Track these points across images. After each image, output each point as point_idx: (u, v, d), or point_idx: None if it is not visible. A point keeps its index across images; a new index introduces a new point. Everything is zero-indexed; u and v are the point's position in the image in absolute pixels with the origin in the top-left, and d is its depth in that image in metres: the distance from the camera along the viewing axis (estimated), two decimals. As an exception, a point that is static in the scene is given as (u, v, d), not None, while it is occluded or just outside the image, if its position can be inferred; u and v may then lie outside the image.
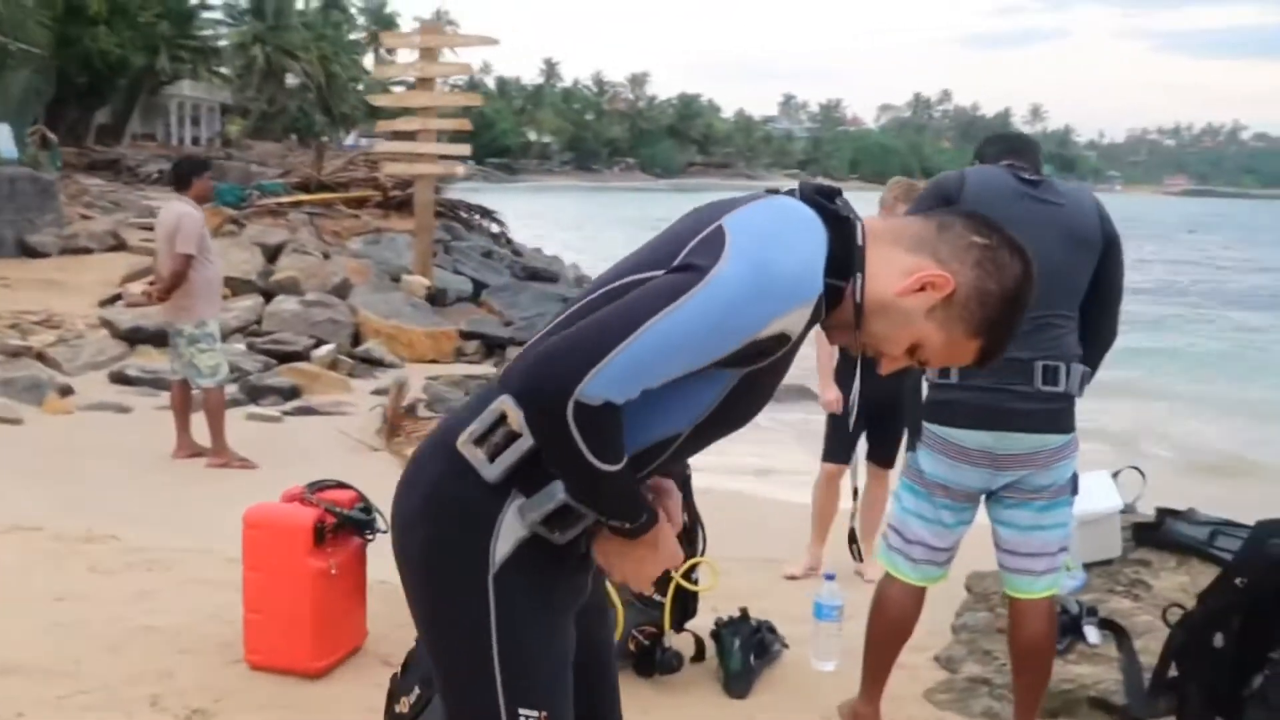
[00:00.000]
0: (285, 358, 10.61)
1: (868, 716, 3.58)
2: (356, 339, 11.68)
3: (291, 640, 3.63)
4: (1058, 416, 3.26)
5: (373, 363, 11.19)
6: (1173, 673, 3.57)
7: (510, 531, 1.72)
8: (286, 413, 9.18)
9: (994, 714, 3.80)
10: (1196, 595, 3.66)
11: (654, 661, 3.79)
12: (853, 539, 5.33)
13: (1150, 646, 4.01)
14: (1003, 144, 3.56)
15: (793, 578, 5.34)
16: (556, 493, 1.68)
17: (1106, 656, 3.97)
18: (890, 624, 3.50)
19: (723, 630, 3.93)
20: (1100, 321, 3.39)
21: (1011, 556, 3.35)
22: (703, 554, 3.93)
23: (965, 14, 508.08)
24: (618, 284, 1.71)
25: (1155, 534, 4.62)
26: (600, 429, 1.59)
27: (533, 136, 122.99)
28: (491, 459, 1.69)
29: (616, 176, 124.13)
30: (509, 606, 1.74)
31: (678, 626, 3.88)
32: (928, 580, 3.46)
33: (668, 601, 3.76)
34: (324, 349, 10.97)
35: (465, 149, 14.30)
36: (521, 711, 1.75)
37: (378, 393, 9.60)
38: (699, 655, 3.99)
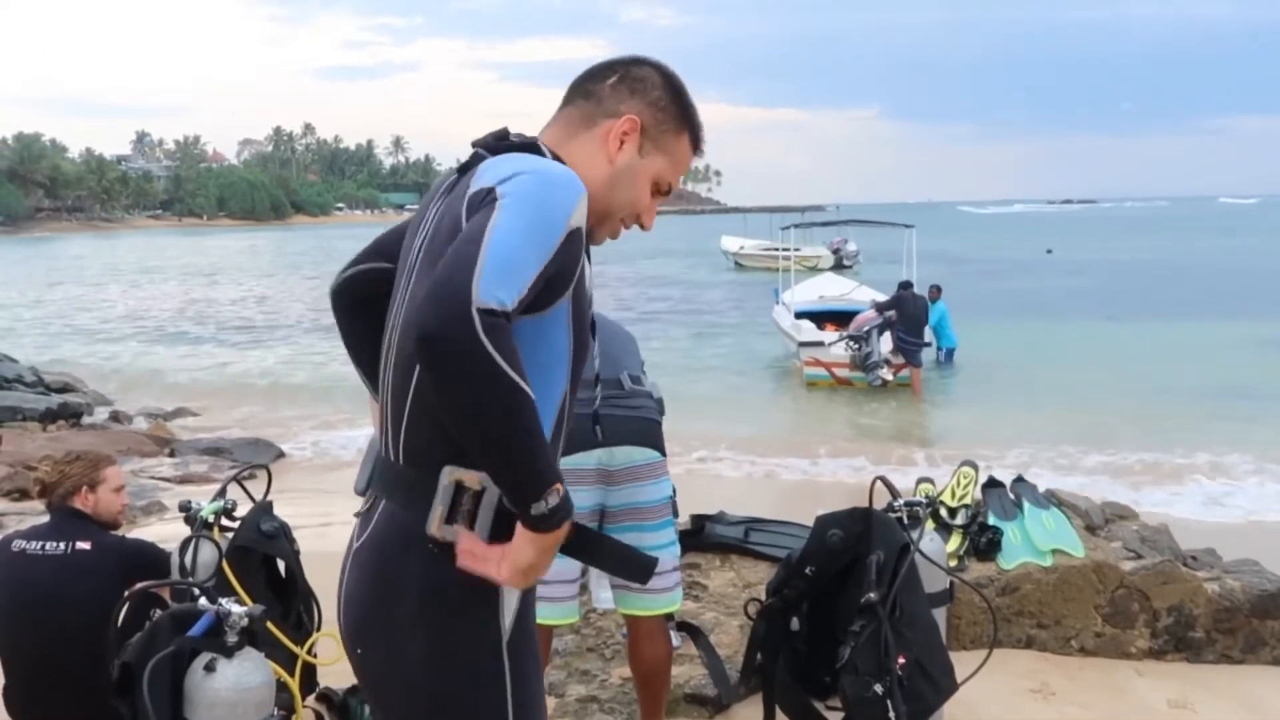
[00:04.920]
0: None
1: None
2: None
3: None
4: (652, 432, 3.60)
5: None
6: (759, 659, 4.06)
7: (511, 592, 1.76)
8: None
9: (610, 727, 4.09)
10: (765, 586, 4.18)
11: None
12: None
13: (721, 640, 4.51)
14: None
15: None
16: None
17: (689, 655, 4.39)
18: None
19: (350, 698, 3.89)
20: None
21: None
22: (319, 628, 3.86)
23: (318, 47, 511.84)
24: None
25: (698, 538, 5.16)
26: (506, 338, 1.58)
27: None
28: (472, 526, 1.69)
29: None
30: (519, 668, 1.79)
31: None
32: (568, 617, 3.65)
33: (296, 679, 3.66)
34: None
35: None
36: None
37: None
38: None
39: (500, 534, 1.69)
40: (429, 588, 1.73)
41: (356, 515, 1.93)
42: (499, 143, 1.88)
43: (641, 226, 1.98)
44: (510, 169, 1.75)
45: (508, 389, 1.56)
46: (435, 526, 1.69)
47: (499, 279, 1.59)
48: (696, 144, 1.99)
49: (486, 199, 1.71)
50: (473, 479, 1.68)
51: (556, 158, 1.85)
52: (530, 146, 1.86)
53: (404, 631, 1.75)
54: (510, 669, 1.77)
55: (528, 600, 1.82)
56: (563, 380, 1.82)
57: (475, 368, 1.55)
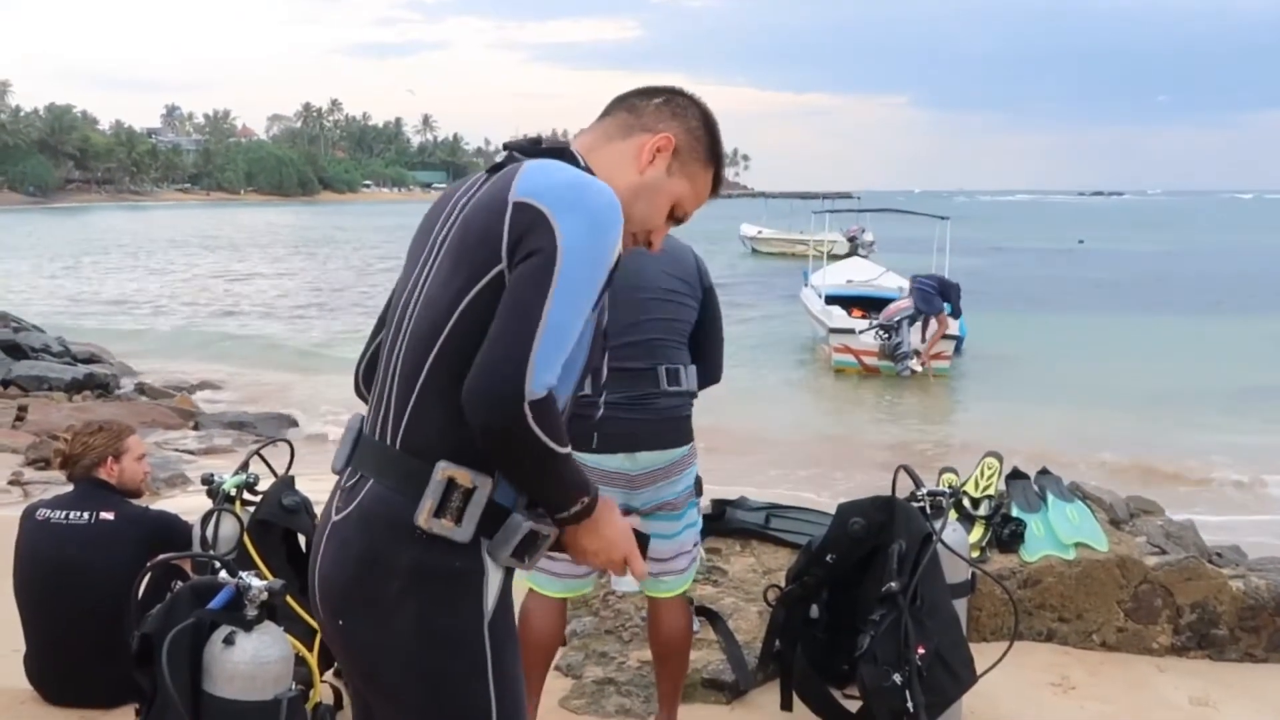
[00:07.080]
0: None
1: None
2: None
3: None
4: (679, 429, 3.57)
5: None
6: (778, 646, 4.04)
7: (494, 577, 1.84)
8: None
9: (626, 710, 4.09)
10: (785, 573, 4.16)
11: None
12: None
13: (740, 625, 4.49)
14: None
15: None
16: (520, 524, 1.80)
17: (707, 640, 4.38)
18: (537, 641, 3.63)
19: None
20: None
21: (654, 563, 3.61)
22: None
23: (347, 25, 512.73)
24: (457, 315, 1.78)
25: (719, 523, 5.14)
26: (553, 417, 1.72)
27: None
28: (459, 522, 1.77)
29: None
30: (499, 649, 1.85)
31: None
32: (571, 592, 3.65)
33: (314, 654, 3.67)
34: None
35: None
36: None
37: None
38: (339, 704, 3.93)
39: (485, 531, 1.80)
40: (417, 568, 1.80)
41: (338, 489, 1.97)
42: (533, 147, 1.93)
43: (649, 246, 2.05)
44: (564, 192, 1.79)
45: (552, 458, 1.73)
46: (424, 518, 1.78)
47: (549, 361, 1.70)
48: (716, 184, 2.08)
49: (542, 235, 1.74)
50: (465, 477, 1.77)
51: (587, 167, 1.90)
52: (563, 153, 1.91)
53: (391, 607, 1.81)
54: (491, 646, 1.84)
55: (508, 582, 1.89)
56: (568, 388, 1.88)
57: (527, 452, 1.71)
